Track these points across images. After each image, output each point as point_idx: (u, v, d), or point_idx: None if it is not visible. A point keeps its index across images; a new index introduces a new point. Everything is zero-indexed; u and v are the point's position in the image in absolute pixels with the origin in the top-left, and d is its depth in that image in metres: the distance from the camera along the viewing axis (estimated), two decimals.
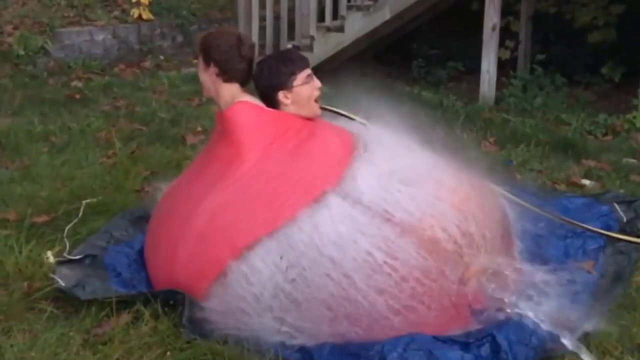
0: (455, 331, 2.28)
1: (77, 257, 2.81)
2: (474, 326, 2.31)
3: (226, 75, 2.72)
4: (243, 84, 2.77)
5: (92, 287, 2.59)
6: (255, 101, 2.76)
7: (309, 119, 2.75)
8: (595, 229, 3.06)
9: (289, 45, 6.36)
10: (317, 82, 2.76)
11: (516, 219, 2.98)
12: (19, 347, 2.31)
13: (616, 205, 3.34)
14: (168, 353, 2.31)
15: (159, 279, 2.61)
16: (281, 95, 2.71)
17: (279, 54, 2.93)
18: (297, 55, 2.84)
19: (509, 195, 2.99)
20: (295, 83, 2.70)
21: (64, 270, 2.72)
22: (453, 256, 2.29)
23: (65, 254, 2.85)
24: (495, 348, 2.22)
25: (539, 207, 3.16)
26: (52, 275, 2.67)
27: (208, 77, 2.76)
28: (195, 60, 6.13)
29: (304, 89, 2.72)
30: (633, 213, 3.32)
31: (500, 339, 2.21)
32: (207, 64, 2.75)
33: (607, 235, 3.04)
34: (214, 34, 2.80)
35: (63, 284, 2.61)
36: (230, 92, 2.74)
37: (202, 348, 2.29)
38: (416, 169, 2.50)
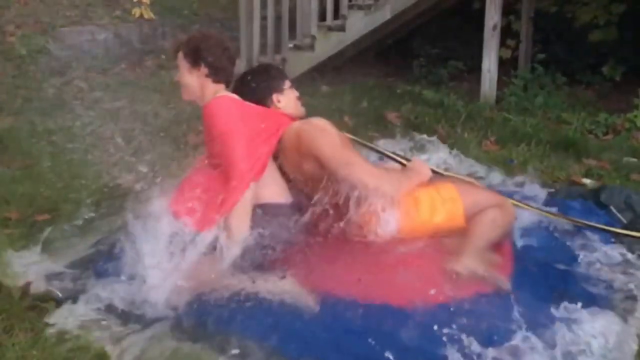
0: None
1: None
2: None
3: (217, 76, 2.80)
4: (228, 85, 2.87)
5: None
6: (236, 97, 2.84)
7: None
8: (599, 225, 3.09)
9: (290, 45, 6.36)
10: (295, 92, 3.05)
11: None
12: (20, 345, 2.33)
13: (612, 209, 3.35)
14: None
15: None
16: (275, 97, 2.93)
17: (262, 66, 3.26)
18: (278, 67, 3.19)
19: (515, 202, 3.07)
20: (285, 87, 2.97)
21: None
22: None
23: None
24: None
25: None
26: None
27: (195, 78, 2.82)
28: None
29: (292, 92, 2.99)
30: (631, 212, 3.33)
31: None
32: (196, 65, 2.80)
33: (611, 232, 3.07)
34: (200, 37, 2.87)
35: (60, 295, 2.66)
36: (214, 91, 2.80)
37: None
38: None
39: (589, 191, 3.62)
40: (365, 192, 2.64)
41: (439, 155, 4.26)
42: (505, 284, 2.60)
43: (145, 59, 6.96)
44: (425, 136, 4.55)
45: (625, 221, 3.28)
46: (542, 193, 3.59)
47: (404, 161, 3.15)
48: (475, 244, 2.72)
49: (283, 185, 2.85)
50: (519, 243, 3.04)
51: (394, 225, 2.72)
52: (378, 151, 3.30)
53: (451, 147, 4.44)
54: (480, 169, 4.09)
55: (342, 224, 2.71)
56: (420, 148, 4.39)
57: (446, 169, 3.83)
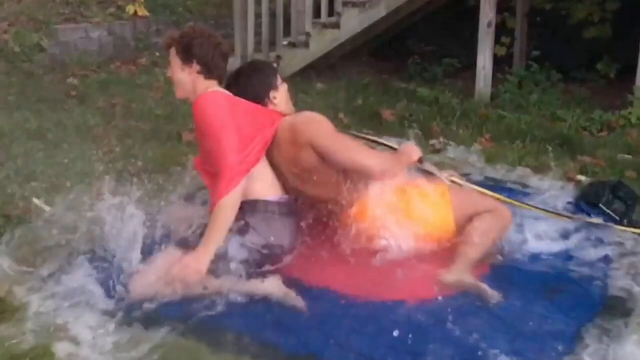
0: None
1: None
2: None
3: (210, 73, 2.79)
4: (221, 82, 2.87)
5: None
6: (227, 93, 2.84)
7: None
8: (596, 221, 3.10)
9: (285, 43, 6.35)
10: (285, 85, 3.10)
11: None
12: (7, 343, 2.33)
13: (603, 207, 3.35)
14: None
15: None
16: (272, 95, 2.95)
17: (256, 64, 3.30)
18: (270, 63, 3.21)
19: (514, 201, 3.07)
20: (278, 83, 3.00)
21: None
22: None
23: None
24: None
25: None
26: None
27: (187, 75, 2.81)
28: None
29: (284, 87, 3.03)
30: (622, 203, 3.34)
31: None
32: (188, 62, 2.78)
33: (608, 227, 3.09)
34: (192, 33, 2.84)
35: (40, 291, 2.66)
36: (206, 88, 2.80)
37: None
38: None
39: (579, 193, 3.61)
40: (365, 172, 2.75)
41: (456, 153, 4.31)
42: (497, 296, 2.60)
43: (140, 57, 6.94)
44: (442, 139, 4.61)
45: (617, 218, 3.29)
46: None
47: (395, 145, 3.18)
48: (468, 256, 2.76)
49: (274, 182, 2.84)
50: (517, 242, 3.04)
51: (394, 233, 2.78)
52: (367, 139, 3.30)
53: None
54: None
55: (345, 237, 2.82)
56: (442, 147, 4.46)
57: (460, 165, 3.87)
